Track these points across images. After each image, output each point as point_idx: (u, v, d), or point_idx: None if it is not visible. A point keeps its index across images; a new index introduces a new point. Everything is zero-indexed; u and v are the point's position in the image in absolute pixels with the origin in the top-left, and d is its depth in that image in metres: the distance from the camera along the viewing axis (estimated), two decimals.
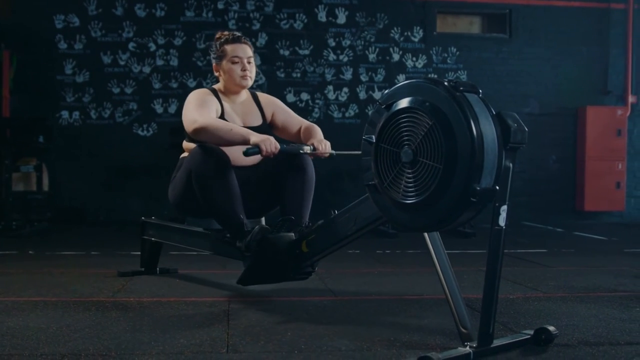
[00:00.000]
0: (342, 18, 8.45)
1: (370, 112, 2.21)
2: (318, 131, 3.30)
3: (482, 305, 2.11)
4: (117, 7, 8.05)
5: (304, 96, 8.38)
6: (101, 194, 7.93)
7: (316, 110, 8.39)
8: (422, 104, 2.08)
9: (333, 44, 8.44)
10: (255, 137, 2.82)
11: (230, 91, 3.25)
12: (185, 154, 3.25)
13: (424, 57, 8.62)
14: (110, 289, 3.35)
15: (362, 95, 8.49)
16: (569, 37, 8.86)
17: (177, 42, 8.14)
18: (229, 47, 3.19)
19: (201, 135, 2.93)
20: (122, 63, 8.08)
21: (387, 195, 2.19)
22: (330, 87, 8.44)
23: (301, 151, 3.06)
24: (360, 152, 2.76)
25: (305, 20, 8.38)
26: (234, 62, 3.16)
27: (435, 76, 8.65)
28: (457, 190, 1.98)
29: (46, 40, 7.94)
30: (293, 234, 2.84)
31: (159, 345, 2.27)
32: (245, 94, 3.34)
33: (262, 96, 3.43)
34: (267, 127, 3.31)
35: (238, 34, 3.27)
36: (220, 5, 8.24)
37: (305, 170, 3.15)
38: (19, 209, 6.94)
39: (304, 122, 3.38)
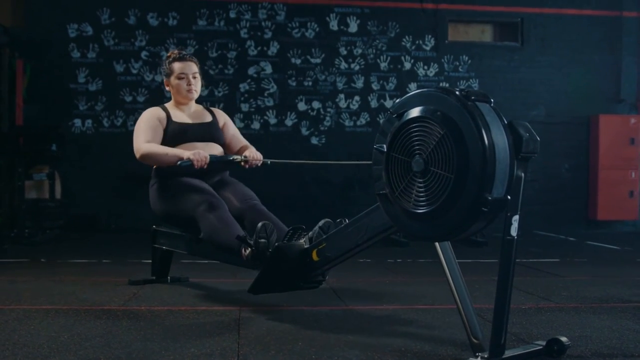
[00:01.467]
0: (353, 27, 8.46)
1: (381, 121, 2.20)
2: (252, 147, 3.58)
3: (494, 315, 2.10)
4: (129, 16, 8.10)
5: (316, 105, 8.39)
6: (113, 202, 7.96)
7: (327, 118, 8.40)
8: (434, 113, 2.08)
9: (345, 52, 8.46)
10: (187, 153, 3.21)
11: (180, 103, 3.57)
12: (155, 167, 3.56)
13: (436, 65, 8.62)
14: (121, 297, 3.36)
15: (374, 103, 8.49)
16: (581, 45, 8.83)
17: (189, 50, 8.15)
18: (176, 65, 3.53)
19: (145, 161, 3.36)
20: (134, 72, 8.13)
21: (398, 205, 2.18)
22: (342, 96, 8.44)
23: (231, 159, 3.38)
24: (299, 161, 2.97)
25: (317, 29, 8.40)
26: (180, 78, 3.51)
27: (447, 85, 8.67)
28: (469, 200, 1.98)
29: (59, 49, 7.99)
30: (304, 243, 2.84)
31: (169, 354, 2.27)
32: (194, 106, 3.63)
33: (215, 109, 3.75)
34: (217, 125, 3.60)
35: (184, 52, 3.64)
36: (232, 14, 8.27)
37: (260, 207, 3.38)
38: (32, 217, 6.98)
39: (245, 143, 3.65)
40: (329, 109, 8.41)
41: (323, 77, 8.40)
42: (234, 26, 8.26)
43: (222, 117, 3.70)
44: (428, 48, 8.61)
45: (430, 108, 2.10)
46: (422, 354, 2.32)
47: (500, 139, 2.01)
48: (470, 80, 8.66)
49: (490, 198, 1.95)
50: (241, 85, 8.20)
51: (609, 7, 8.88)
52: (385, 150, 2.22)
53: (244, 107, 8.25)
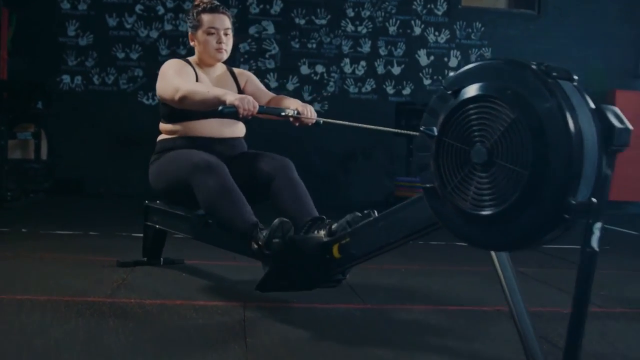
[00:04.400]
0: None
1: (431, 99, 1.76)
2: (295, 100, 2.99)
3: (567, 342, 1.71)
4: None
5: (319, 69, 7.92)
6: (102, 165, 7.51)
7: (331, 84, 7.94)
8: (502, 92, 1.66)
9: (352, 14, 7.96)
10: (231, 96, 2.64)
11: (205, 63, 3.08)
12: (163, 136, 3.08)
13: (447, 31, 8.15)
14: (108, 284, 2.96)
15: (380, 69, 8.03)
16: (601, 16, 8.36)
17: (188, 5, 7.64)
18: (205, 17, 3.00)
19: (186, 102, 2.79)
20: (128, 26, 7.62)
21: (451, 202, 1.78)
22: (347, 60, 7.98)
23: (283, 114, 2.78)
24: (352, 124, 2.67)
25: None
26: (209, 34, 2.99)
27: (459, 53, 8.21)
28: (546, 203, 1.58)
29: None
30: (323, 236, 2.44)
31: None
32: (220, 68, 3.17)
33: (237, 70, 3.29)
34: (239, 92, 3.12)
35: (216, 2, 3.05)
36: None
37: (291, 170, 2.91)
38: (15, 179, 6.53)
39: (273, 95, 3.16)
40: (333, 74, 7.95)
41: (328, 39, 7.92)
42: None
43: (244, 77, 3.21)
44: (440, 13, 8.12)
45: (497, 85, 1.68)
46: None
47: (587, 128, 1.60)
48: (483, 49, 8.21)
49: (574, 202, 1.55)
50: (241, 46, 7.72)
51: None
52: (436, 134, 1.81)
53: (244, 68, 7.70)
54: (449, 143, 1.75)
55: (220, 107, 2.60)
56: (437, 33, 8.12)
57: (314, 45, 7.90)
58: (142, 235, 3.50)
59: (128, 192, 7.18)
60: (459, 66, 8.10)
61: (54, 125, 7.22)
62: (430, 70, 8.10)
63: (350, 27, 7.96)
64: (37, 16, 7.39)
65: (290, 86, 7.86)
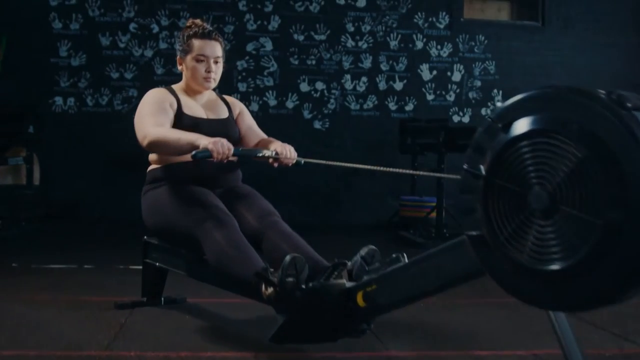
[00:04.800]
0: (362, 1, 7.74)
1: (477, 133, 1.50)
2: (278, 141, 2.86)
3: None
4: None
5: (319, 85, 7.69)
6: (98, 189, 7.25)
7: (332, 101, 7.71)
8: (566, 126, 1.42)
9: (352, 29, 7.74)
10: (204, 140, 2.49)
11: (192, 90, 2.92)
12: (153, 166, 2.92)
13: (450, 45, 7.93)
14: (105, 332, 2.69)
15: (382, 85, 7.80)
16: (606, 26, 8.17)
17: (183, 23, 7.40)
18: (196, 43, 2.84)
19: (153, 149, 2.74)
20: (122, 45, 7.38)
21: (503, 254, 1.53)
22: (348, 76, 7.75)
23: (260, 154, 2.66)
24: (339, 163, 2.51)
25: (322, 3, 7.67)
26: (198, 60, 2.83)
27: (462, 67, 8.00)
28: (626, 257, 1.33)
29: (39, 19, 7.21)
30: (345, 282, 2.19)
31: None
32: (209, 94, 3.01)
33: (229, 98, 3.13)
34: (233, 120, 2.99)
35: (209, 28, 2.90)
36: None
37: (281, 224, 2.71)
38: (6, 206, 6.27)
39: (264, 135, 3.01)
40: (333, 91, 7.72)
41: (328, 55, 7.70)
42: None
43: (237, 107, 3.05)
44: (442, 26, 7.91)
45: (558, 117, 1.44)
46: None
47: None
48: (487, 62, 7.99)
49: None
50: (239, 63, 7.49)
51: None
52: (484, 174, 1.56)
53: (242, 86, 7.54)
54: (500, 185, 1.51)
55: (193, 152, 2.46)
56: (439, 47, 7.91)
57: (314, 62, 7.68)
58: (140, 267, 3.24)
59: (125, 217, 6.88)
60: (462, 80, 7.90)
61: (47, 149, 6.98)
62: (433, 85, 7.88)
63: (350, 42, 7.74)
64: (27, 37, 7.16)
65: (289, 104, 7.63)
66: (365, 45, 7.77)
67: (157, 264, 3.08)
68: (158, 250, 3.08)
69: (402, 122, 7.08)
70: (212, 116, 2.90)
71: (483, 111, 7.96)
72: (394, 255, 2.12)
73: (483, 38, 7.98)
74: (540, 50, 8.07)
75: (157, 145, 2.64)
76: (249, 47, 7.54)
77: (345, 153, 7.67)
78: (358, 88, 7.77)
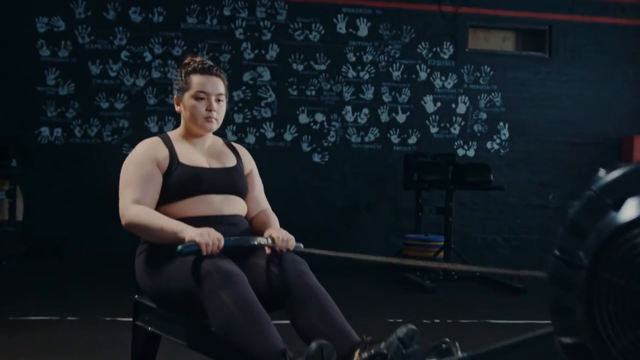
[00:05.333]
0: (363, 30, 7.46)
1: (573, 209, 1.13)
2: (275, 219, 2.56)
3: None
4: (108, 10, 7.02)
5: (319, 117, 7.37)
6: (85, 224, 6.86)
7: (332, 133, 7.38)
8: None
9: (353, 59, 7.45)
10: (190, 232, 2.18)
11: (192, 134, 2.53)
12: None
13: (454, 76, 7.65)
14: None
15: (384, 117, 7.49)
16: (614, 57, 7.92)
17: (177, 51, 7.12)
18: (195, 79, 2.47)
19: (133, 232, 2.33)
20: (112, 74, 7.05)
21: None
22: (349, 108, 7.44)
23: (255, 243, 2.30)
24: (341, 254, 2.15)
25: (322, 32, 7.39)
26: (198, 98, 2.45)
27: (467, 98, 7.71)
28: None
29: (26, 45, 6.89)
30: None
31: None
32: (211, 138, 2.62)
33: (238, 146, 2.71)
34: (242, 170, 2.59)
35: (210, 63, 2.54)
36: (226, 12, 7.23)
37: (311, 277, 2.26)
38: None
39: (266, 207, 2.64)
40: (333, 123, 7.40)
41: (328, 86, 7.39)
42: (228, 25, 7.22)
43: (249, 162, 2.64)
44: (446, 56, 7.63)
45: None
46: None
47: None
48: (493, 93, 7.70)
49: None
50: (235, 93, 7.17)
51: None
52: (587, 265, 1.21)
53: (238, 118, 7.21)
54: (611, 282, 1.16)
55: (179, 248, 2.12)
56: (443, 78, 7.62)
57: (313, 92, 7.37)
58: (130, 320, 2.85)
59: (113, 254, 6.55)
60: (467, 113, 7.61)
61: (31, 182, 6.63)
62: (437, 118, 7.58)
63: (351, 73, 7.44)
64: (13, 64, 6.82)
65: (288, 136, 7.30)
66: (366, 76, 7.47)
67: (150, 328, 2.70)
68: (151, 312, 2.70)
69: (407, 157, 6.75)
70: (215, 164, 2.51)
71: (489, 145, 7.66)
72: (443, 346, 1.75)
73: (489, 69, 7.70)
74: (547, 81, 7.80)
75: (136, 230, 2.30)
76: (246, 76, 7.23)
77: (345, 188, 7.35)
78: (359, 120, 7.46)
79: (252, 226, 2.53)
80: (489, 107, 7.68)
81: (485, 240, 7.63)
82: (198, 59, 2.53)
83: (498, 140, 7.69)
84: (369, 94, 7.47)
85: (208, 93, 2.44)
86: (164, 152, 2.41)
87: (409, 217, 7.17)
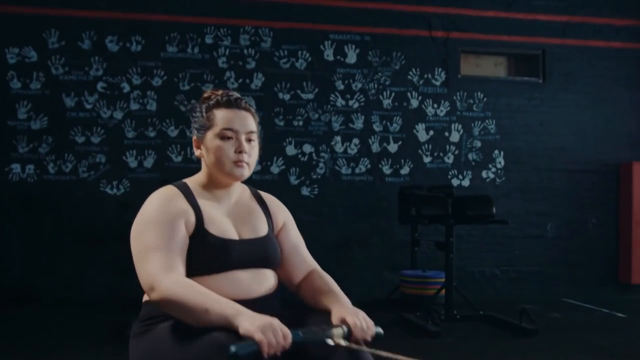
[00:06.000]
0: (352, 57, 7.15)
1: None
2: (334, 284, 2.03)
3: None
4: (83, 40, 6.65)
5: (307, 148, 7.02)
6: (59, 268, 6.41)
7: (321, 165, 7.03)
8: None
9: (342, 87, 7.13)
10: (246, 322, 1.64)
11: (217, 183, 2.05)
12: (147, 299, 1.93)
13: (447, 103, 7.35)
14: None
15: (375, 147, 7.16)
16: (610, 81, 7.68)
17: (156, 82, 6.75)
18: (220, 114, 2.00)
19: (165, 309, 1.79)
20: (88, 106, 6.65)
21: None
22: (338, 138, 7.10)
23: (330, 342, 1.73)
24: None
25: (309, 59, 7.07)
26: (224, 137, 1.98)
27: (460, 126, 7.42)
28: None
29: None
30: None
31: None
32: (239, 189, 2.14)
33: (268, 196, 2.23)
34: (274, 237, 2.11)
35: (236, 95, 2.06)
36: (208, 40, 6.88)
37: None
38: None
39: (315, 266, 2.14)
40: (322, 154, 7.05)
41: (316, 115, 7.06)
42: (211, 54, 6.88)
43: (281, 215, 2.18)
44: (438, 83, 7.34)
45: None
46: None
47: None
48: (486, 121, 7.42)
49: None
50: None
51: (639, 39, 7.77)
52: None
53: None
54: None
55: (233, 349, 1.55)
56: (435, 105, 7.32)
57: (301, 123, 7.02)
58: None
59: (90, 299, 6.15)
60: (461, 141, 7.33)
61: (2, 223, 6.19)
62: (430, 147, 7.27)
63: (340, 101, 7.11)
64: None
65: (274, 169, 6.94)
66: (356, 104, 7.15)
67: None
68: None
69: (402, 189, 6.41)
70: (246, 232, 2.03)
71: (484, 174, 7.36)
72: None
73: (482, 95, 7.42)
74: (542, 107, 7.54)
75: (171, 307, 1.77)
76: None
77: (336, 222, 6.99)
78: (349, 151, 7.12)
79: (302, 294, 2.06)
80: (483, 134, 7.39)
81: (483, 274, 7.29)
82: (220, 91, 2.07)
83: (493, 169, 7.39)
84: (358, 123, 7.14)
85: (236, 131, 1.98)
86: (188, 213, 1.94)
87: (404, 251, 6.83)
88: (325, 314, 1.90)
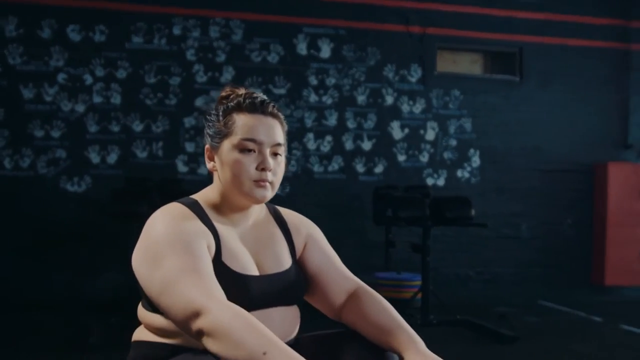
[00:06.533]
0: (326, 51, 6.92)
1: None
2: (410, 330, 1.68)
3: None
4: (43, 28, 6.30)
5: None
6: (15, 268, 6.08)
7: (293, 163, 6.79)
8: None
9: (315, 82, 6.89)
10: None
11: (231, 205, 1.65)
12: (147, 337, 1.58)
13: (423, 100, 7.16)
14: None
15: (349, 145, 6.94)
16: (587, 81, 7.58)
17: (121, 74, 6.43)
18: (240, 119, 1.60)
19: (207, 343, 1.35)
20: (48, 99, 6.31)
21: None
22: (311, 135, 6.86)
23: None
24: None
25: (282, 53, 6.82)
26: (244, 150, 1.58)
27: (436, 124, 7.24)
28: None
29: None
30: None
31: None
32: (257, 208, 1.75)
33: (288, 213, 1.87)
34: (298, 271, 1.73)
35: (262, 97, 1.65)
36: (176, 31, 6.59)
37: None
38: None
39: (359, 283, 1.79)
40: (294, 151, 6.81)
41: (288, 111, 6.81)
42: (179, 45, 6.58)
43: (302, 234, 1.80)
44: (414, 80, 7.15)
45: None
46: None
47: None
48: (462, 119, 7.25)
49: None
50: (186, 120, 6.51)
51: (617, 39, 7.67)
52: None
53: (189, 146, 6.54)
54: None
55: None
56: (411, 102, 7.13)
57: None
58: None
59: (50, 302, 5.81)
60: (436, 139, 7.15)
61: None
62: (405, 145, 7.07)
63: (313, 97, 6.88)
64: None
65: None
66: (329, 100, 6.92)
67: None
68: None
69: (377, 189, 6.19)
70: (268, 266, 1.66)
71: (459, 173, 7.19)
72: None
73: (458, 93, 7.25)
74: (519, 106, 7.41)
75: (219, 341, 1.34)
76: (199, 101, 6.58)
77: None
78: (322, 148, 6.89)
79: (350, 320, 1.70)
80: (459, 133, 7.23)
81: (457, 275, 7.13)
82: (242, 90, 1.67)
83: (469, 168, 7.23)
84: (332, 120, 6.91)
85: (260, 142, 1.60)
86: (207, 233, 1.56)
87: (377, 252, 6.61)
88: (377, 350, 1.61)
